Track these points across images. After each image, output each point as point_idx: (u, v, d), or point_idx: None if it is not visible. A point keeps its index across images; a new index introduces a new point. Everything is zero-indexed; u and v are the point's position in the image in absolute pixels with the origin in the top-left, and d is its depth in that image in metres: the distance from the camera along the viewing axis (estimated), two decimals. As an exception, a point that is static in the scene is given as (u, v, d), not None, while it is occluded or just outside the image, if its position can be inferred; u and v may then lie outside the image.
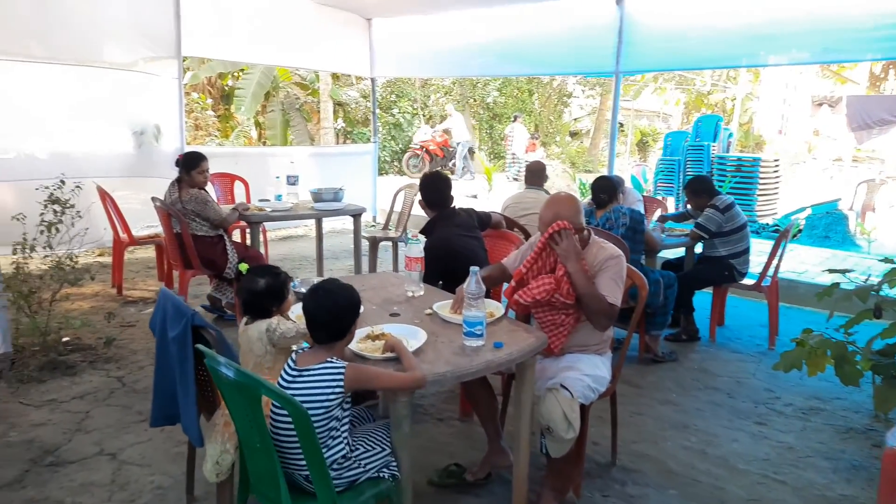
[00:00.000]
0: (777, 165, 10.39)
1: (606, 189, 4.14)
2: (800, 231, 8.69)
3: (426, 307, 2.70)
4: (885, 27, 4.77)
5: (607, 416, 3.02)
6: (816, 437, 3.33)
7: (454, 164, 15.42)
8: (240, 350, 2.35)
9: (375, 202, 9.28)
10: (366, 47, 8.52)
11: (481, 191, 11.83)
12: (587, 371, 2.60)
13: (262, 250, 5.36)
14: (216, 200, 5.85)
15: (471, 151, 15.81)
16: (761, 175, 9.85)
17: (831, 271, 3.45)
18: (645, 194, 10.41)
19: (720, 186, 9.58)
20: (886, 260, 3.37)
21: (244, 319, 2.35)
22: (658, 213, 5.76)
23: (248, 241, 5.28)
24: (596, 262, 2.61)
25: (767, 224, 9.45)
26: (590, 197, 4.21)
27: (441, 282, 3.20)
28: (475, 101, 18.57)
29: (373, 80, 9.38)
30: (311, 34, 7.73)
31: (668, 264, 4.90)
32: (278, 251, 7.50)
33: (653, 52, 6.17)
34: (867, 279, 3.28)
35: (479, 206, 10.37)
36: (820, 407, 3.69)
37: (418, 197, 3.51)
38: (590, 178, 12.96)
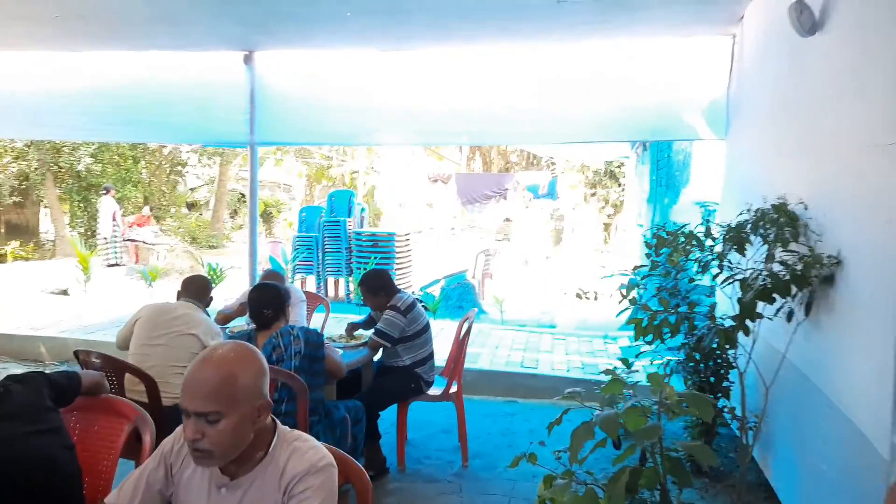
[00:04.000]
0: (408, 239, 10.64)
1: (271, 302, 2.96)
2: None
3: None
4: (465, 116, 5.12)
5: None
6: None
7: None
8: None
9: None
10: None
11: (74, 283, 9.19)
12: None
13: None
14: None
15: None
16: (396, 249, 9.90)
17: (567, 397, 2.91)
18: (287, 277, 9.46)
19: (360, 266, 9.25)
20: (607, 371, 2.97)
21: None
22: (321, 316, 4.78)
23: None
24: (292, 483, 1.45)
25: (408, 298, 9.43)
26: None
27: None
28: (61, 168, 15.09)
29: None
30: None
31: (345, 383, 3.91)
32: None
33: (288, 123, 5.34)
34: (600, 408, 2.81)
35: (72, 305, 7.87)
36: (547, 547, 3.10)
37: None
38: (218, 259, 11.42)
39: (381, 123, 5.44)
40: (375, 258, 9.33)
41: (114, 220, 12.60)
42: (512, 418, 4.80)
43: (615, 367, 4.39)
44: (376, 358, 3.97)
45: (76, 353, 2.97)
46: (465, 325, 4.11)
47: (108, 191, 12.98)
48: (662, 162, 7.23)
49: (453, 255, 12.23)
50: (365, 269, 9.06)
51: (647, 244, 3.80)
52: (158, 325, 3.15)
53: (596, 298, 3.79)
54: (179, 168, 18.32)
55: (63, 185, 15.61)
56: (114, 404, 2.16)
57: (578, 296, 3.87)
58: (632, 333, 7.09)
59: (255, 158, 5.37)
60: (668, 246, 3.66)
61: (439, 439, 4.37)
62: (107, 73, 5.20)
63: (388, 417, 3.92)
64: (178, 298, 3.37)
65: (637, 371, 4.36)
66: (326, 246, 10.04)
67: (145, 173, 17.30)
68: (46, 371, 2.05)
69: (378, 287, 3.83)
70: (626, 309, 3.95)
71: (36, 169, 14.86)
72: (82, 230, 15.50)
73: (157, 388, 2.85)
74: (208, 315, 3.39)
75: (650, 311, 3.31)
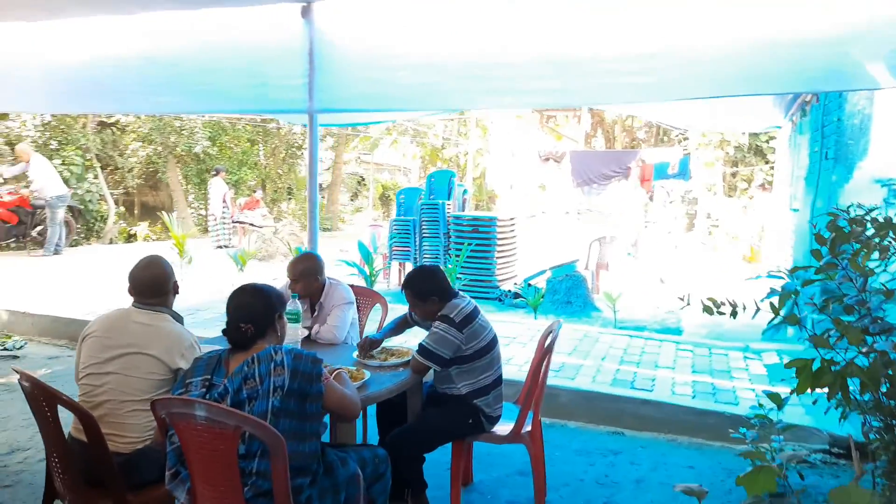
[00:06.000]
0: (513, 224, 9.62)
1: (255, 313, 2.15)
2: (542, 297, 7.75)
3: None
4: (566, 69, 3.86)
5: None
6: None
7: (42, 234, 10.47)
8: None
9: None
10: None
11: (173, 266, 9.13)
12: None
13: None
14: None
15: (74, 211, 11.42)
16: (499, 235, 8.91)
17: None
18: (382, 263, 8.82)
19: (457, 252, 8.38)
20: (750, 454, 1.88)
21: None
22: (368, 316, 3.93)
23: None
24: None
25: (508, 291, 8.45)
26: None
27: None
28: (183, 151, 15.62)
29: None
30: None
31: (389, 413, 3.04)
32: None
33: (354, 86, 4.54)
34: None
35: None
36: None
37: None
38: (330, 243, 11.07)
39: (465, 84, 4.49)
40: (471, 244, 8.42)
41: (223, 201, 12.72)
42: (614, 459, 3.72)
43: (760, 408, 3.16)
44: (426, 379, 3.07)
45: (15, 369, 2.35)
46: (549, 339, 3.07)
47: (218, 172, 13.12)
48: (830, 128, 5.62)
49: (567, 243, 11.03)
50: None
51: (819, 237, 2.56)
52: (109, 345, 2.42)
53: (734, 315, 2.62)
54: (295, 150, 18.45)
55: (185, 168, 16.19)
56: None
57: (708, 310, 2.73)
58: (781, 347, 5.46)
59: (314, 129, 4.60)
60: (856, 240, 2.41)
61: (513, 485, 3.38)
62: (155, 39, 4.66)
63: (444, 450, 3.00)
64: (135, 296, 2.55)
65: (790, 400, 3.12)
66: (424, 230, 9.29)
67: (262, 156, 17.57)
68: None
69: (428, 290, 2.91)
70: (776, 325, 2.80)
71: (160, 152, 15.48)
72: (203, 212, 16.01)
73: (98, 429, 2.14)
74: (179, 318, 2.60)
75: (828, 347, 2.11)
